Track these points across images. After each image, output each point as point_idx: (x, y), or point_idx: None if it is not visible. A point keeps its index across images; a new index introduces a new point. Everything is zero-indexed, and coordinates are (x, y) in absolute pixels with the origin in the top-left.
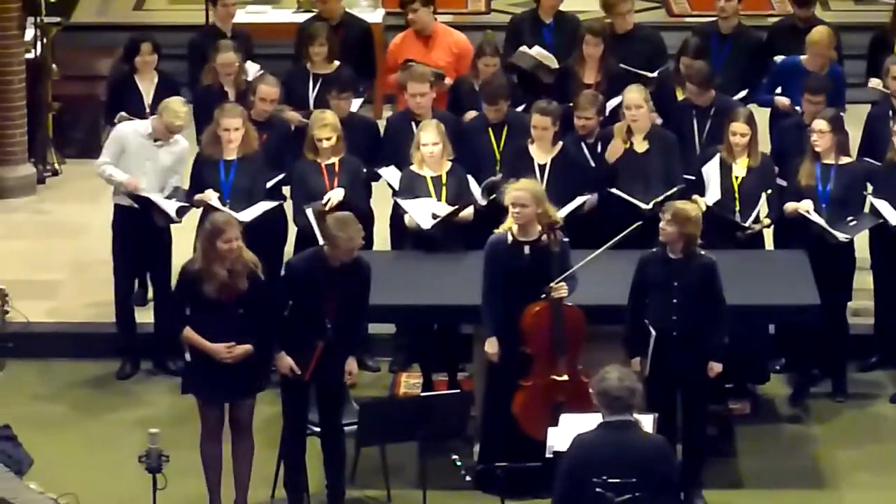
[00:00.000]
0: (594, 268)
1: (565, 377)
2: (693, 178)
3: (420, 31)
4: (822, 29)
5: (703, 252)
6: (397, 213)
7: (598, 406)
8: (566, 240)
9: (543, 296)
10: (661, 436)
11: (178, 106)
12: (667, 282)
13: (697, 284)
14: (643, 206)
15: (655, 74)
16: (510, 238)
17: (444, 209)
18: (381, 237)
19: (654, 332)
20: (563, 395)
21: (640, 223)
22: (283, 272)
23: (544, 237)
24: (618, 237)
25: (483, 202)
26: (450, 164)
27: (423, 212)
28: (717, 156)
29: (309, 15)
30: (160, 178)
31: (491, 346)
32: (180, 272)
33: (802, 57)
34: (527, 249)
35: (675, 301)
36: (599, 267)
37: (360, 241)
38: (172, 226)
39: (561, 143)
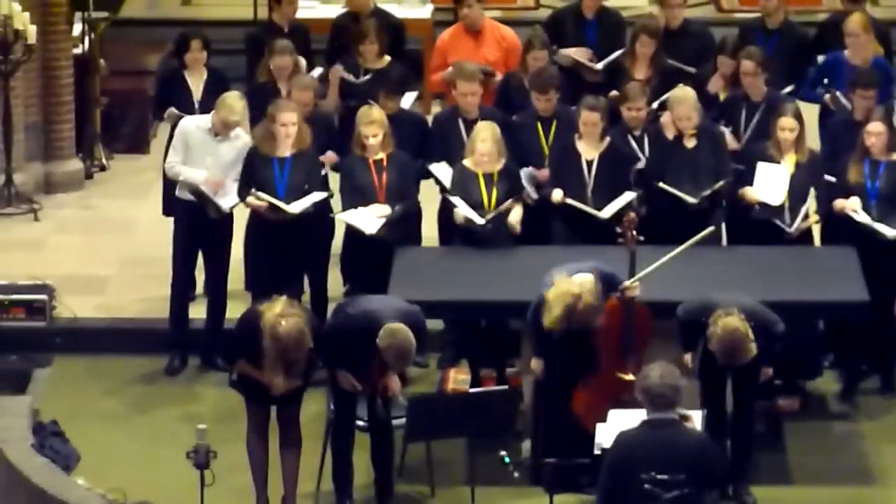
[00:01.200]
0: (639, 264)
1: (631, 376)
2: (741, 167)
3: (471, 26)
4: (855, 16)
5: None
6: (445, 209)
7: (644, 404)
8: (642, 238)
9: (617, 294)
10: (705, 433)
11: (234, 101)
12: None
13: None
14: (690, 200)
15: (695, 71)
16: None
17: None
18: (430, 233)
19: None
20: (629, 394)
21: (712, 228)
22: (333, 317)
23: (627, 233)
24: (689, 242)
25: (534, 195)
26: (503, 162)
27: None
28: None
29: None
30: (222, 173)
31: (537, 364)
32: (247, 322)
33: (846, 51)
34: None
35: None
36: (646, 263)
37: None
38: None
39: (608, 138)
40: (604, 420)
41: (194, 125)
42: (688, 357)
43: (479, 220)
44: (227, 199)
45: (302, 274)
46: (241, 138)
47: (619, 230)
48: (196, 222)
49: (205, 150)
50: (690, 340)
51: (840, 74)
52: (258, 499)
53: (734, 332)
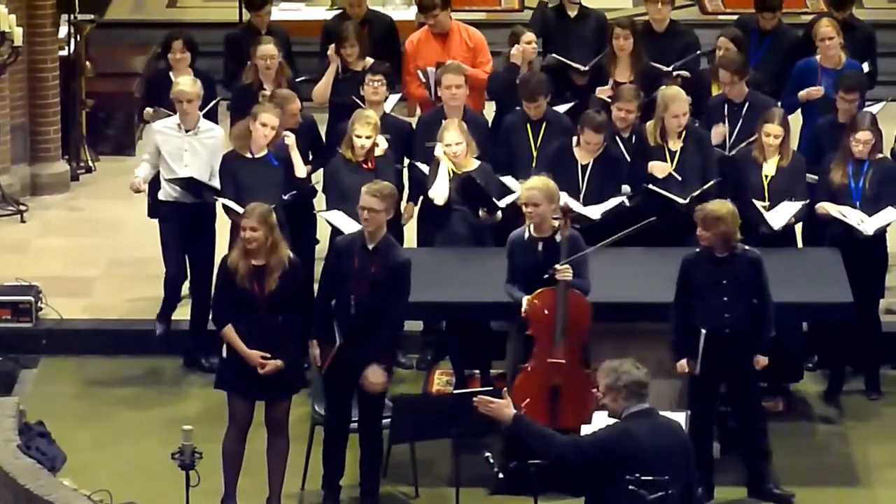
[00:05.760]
0: (628, 265)
1: (562, 361)
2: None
3: (439, 32)
4: (825, 21)
5: (746, 248)
6: (425, 211)
7: (620, 400)
8: (577, 227)
9: (546, 276)
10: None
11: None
12: (715, 281)
13: (745, 280)
14: (681, 201)
15: (671, 69)
16: (527, 234)
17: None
18: (410, 235)
19: (703, 331)
20: (560, 378)
21: (652, 219)
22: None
23: (558, 235)
24: (627, 231)
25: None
26: (476, 162)
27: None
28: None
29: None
30: (203, 167)
31: (524, 301)
32: (220, 264)
33: (818, 56)
34: (540, 246)
35: (725, 299)
36: (635, 265)
37: None
38: (218, 224)
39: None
40: (539, 405)
41: (163, 125)
42: (682, 364)
43: (440, 200)
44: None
45: None
46: (214, 129)
47: (554, 217)
48: (181, 222)
49: (182, 147)
50: (685, 345)
51: (811, 78)
52: (226, 497)
53: (713, 207)
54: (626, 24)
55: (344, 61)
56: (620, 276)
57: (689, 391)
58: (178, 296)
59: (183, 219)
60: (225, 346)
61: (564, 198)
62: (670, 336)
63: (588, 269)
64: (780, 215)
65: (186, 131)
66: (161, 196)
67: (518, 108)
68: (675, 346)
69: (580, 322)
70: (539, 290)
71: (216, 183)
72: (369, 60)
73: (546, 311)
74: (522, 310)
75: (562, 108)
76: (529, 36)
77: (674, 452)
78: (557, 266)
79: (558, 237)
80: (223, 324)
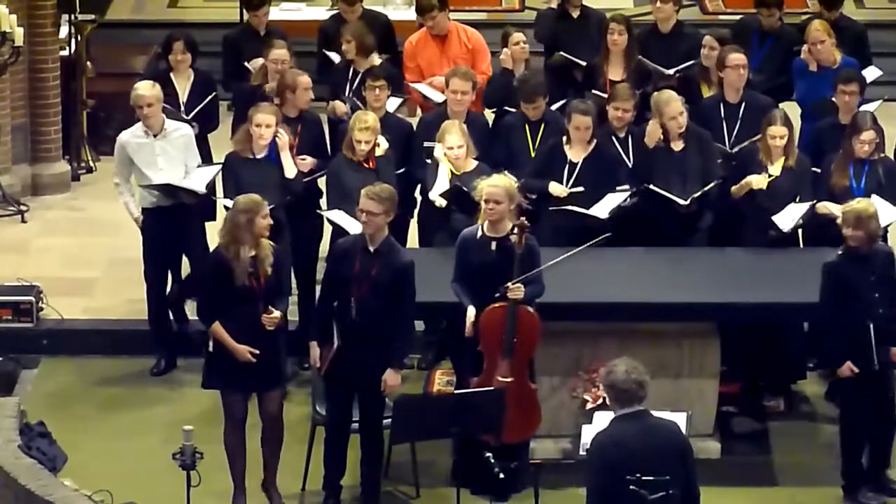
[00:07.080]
0: (629, 265)
1: (509, 379)
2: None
3: (438, 33)
4: (816, 23)
5: (880, 242)
6: (426, 211)
7: (611, 401)
8: (533, 243)
9: (497, 295)
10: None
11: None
12: (866, 278)
13: (887, 273)
14: (681, 202)
15: (672, 72)
16: (480, 233)
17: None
18: (410, 235)
19: (872, 325)
20: (507, 396)
21: (608, 234)
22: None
23: (513, 236)
24: (585, 245)
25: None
26: (475, 163)
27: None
28: None
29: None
30: (177, 168)
31: (470, 315)
32: (208, 258)
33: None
34: (493, 245)
35: (876, 295)
36: (636, 265)
37: None
38: (208, 222)
39: (595, 140)
40: None
41: (129, 135)
42: (849, 365)
43: (440, 202)
44: (198, 181)
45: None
46: (181, 129)
47: (511, 232)
48: (165, 226)
49: (153, 152)
50: (844, 349)
51: (809, 77)
52: (235, 493)
53: (861, 207)
54: (622, 20)
55: (352, 59)
56: (621, 276)
57: (846, 392)
58: (165, 308)
59: (167, 222)
60: (211, 342)
61: (553, 188)
62: (828, 343)
63: (542, 275)
64: (788, 217)
65: (154, 136)
66: (143, 204)
67: (515, 109)
68: (835, 351)
69: (530, 338)
70: (490, 307)
71: (191, 179)
72: (377, 60)
73: (496, 328)
74: (468, 322)
75: (555, 107)
76: (517, 37)
77: (668, 453)
78: (509, 285)
79: (512, 237)
80: (211, 321)
